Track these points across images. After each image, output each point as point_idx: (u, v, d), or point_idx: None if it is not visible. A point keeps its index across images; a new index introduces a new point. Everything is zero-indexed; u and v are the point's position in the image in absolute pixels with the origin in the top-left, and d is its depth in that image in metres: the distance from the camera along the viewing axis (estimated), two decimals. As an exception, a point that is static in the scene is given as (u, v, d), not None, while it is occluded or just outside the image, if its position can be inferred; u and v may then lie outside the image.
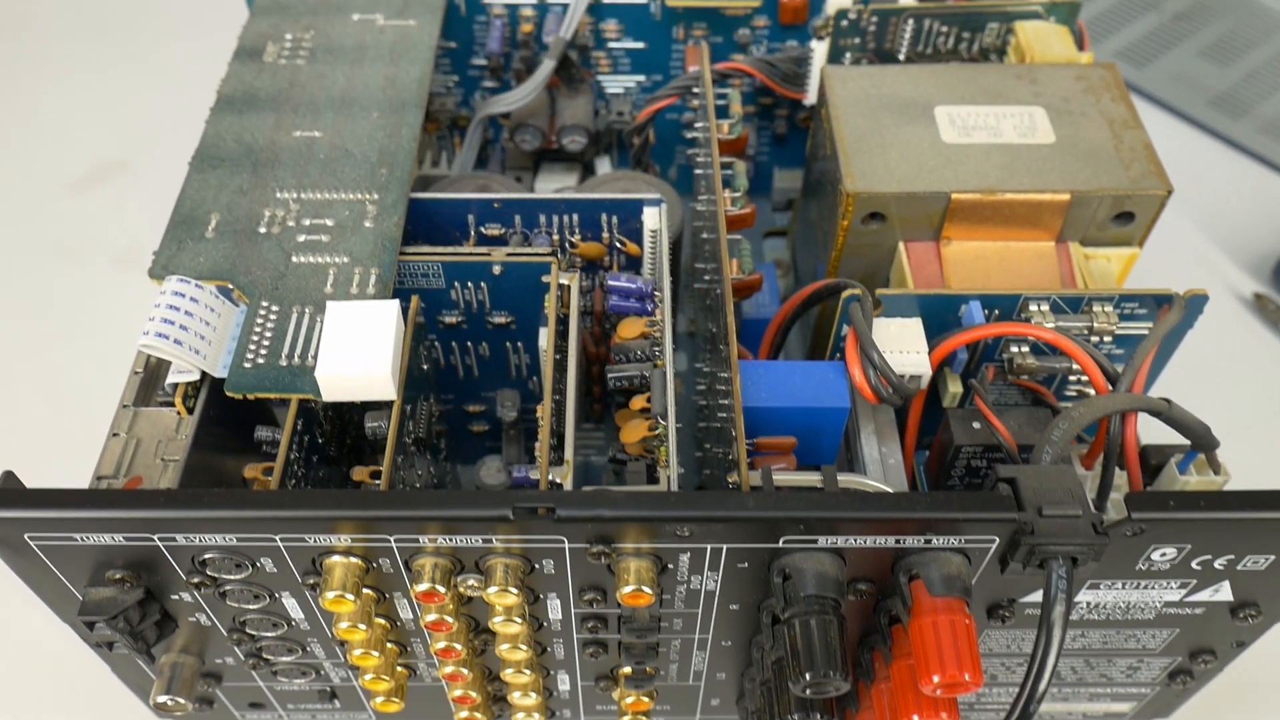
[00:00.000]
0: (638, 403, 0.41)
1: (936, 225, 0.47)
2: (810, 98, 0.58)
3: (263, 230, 0.43)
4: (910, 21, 0.55)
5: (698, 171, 0.53)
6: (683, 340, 0.62)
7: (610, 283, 0.44)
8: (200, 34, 0.78)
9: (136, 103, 0.81)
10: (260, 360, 0.39)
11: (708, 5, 0.55)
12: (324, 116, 0.48)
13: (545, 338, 0.43)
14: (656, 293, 0.44)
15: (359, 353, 0.38)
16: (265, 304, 0.41)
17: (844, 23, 0.54)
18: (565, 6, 0.57)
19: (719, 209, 0.47)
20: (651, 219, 0.46)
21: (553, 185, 0.62)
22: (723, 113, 0.54)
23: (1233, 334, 0.68)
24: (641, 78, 0.61)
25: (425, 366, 0.44)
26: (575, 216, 0.46)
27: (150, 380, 0.41)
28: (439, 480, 0.49)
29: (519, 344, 0.48)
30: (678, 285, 0.59)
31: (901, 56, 0.56)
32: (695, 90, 0.54)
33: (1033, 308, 0.42)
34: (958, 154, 0.47)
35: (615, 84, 0.61)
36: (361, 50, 0.51)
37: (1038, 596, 0.39)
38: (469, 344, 0.48)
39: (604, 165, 0.64)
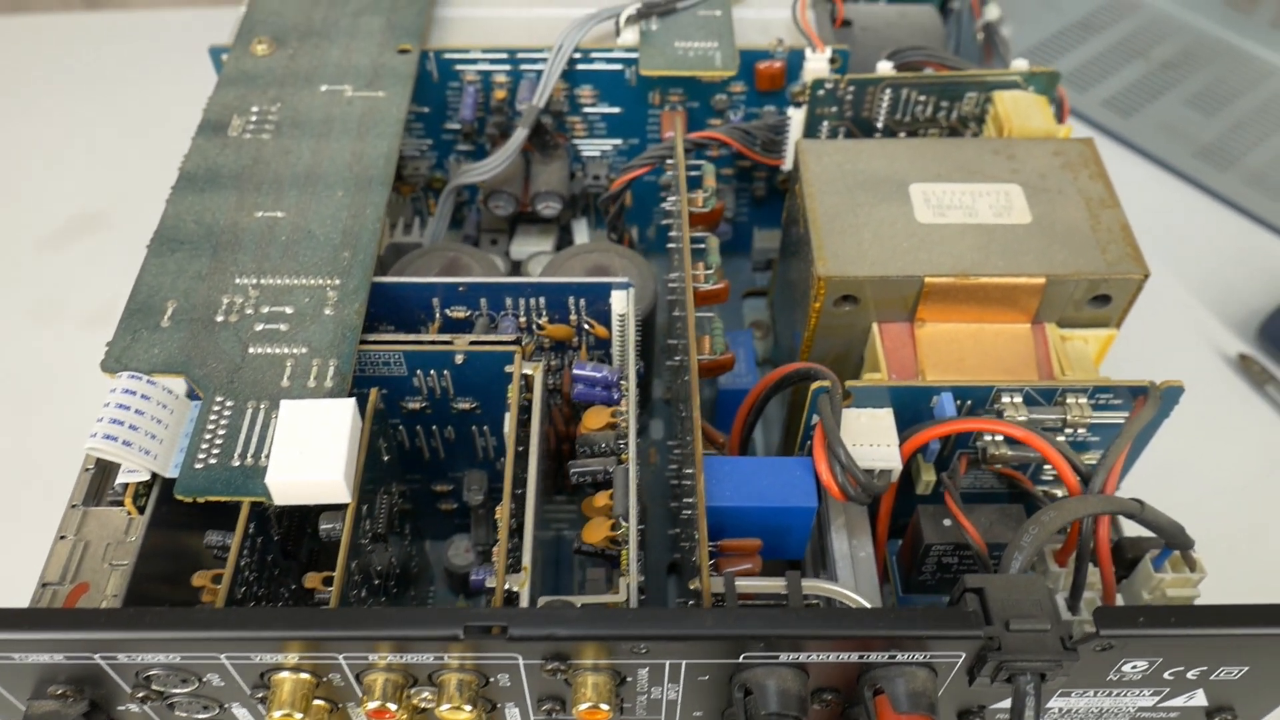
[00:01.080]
0: (601, 499, 0.40)
1: (911, 307, 0.46)
2: (788, 164, 0.57)
3: (220, 319, 0.42)
4: (888, 91, 0.54)
5: (670, 245, 0.52)
6: (659, 407, 0.61)
7: (576, 371, 0.43)
8: (175, 85, 0.77)
9: (110, 156, 0.81)
10: (212, 460, 0.38)
11: (681, 75, 0.55)
12: (287, 195, 0.47)
13: (509, 424, 0.42)
14: (623, 381, 0.43)
15: (312, 455, 0.37)
16: (220, 399, 0.40)
17: (821, 92, 0.54)
18: (539, 73, 0.56)
19: (688, 288, 0.46)
20: (619, 303, 0.45)
21: (528, 249, 0.61)
22: (696, 184, 0.53)
23: (1217, 395, 0.67)
24: (618, 141, 0.60)
25: (386, 457, 0.43)
26: (542, 299, 0.46)
27: (101, 476, 0.40)
28: (402, 566, 0.48)
29: (485, 427, 0.47)
30: (654, 352, 0.58)
31: (879, 125, 0.55)
32: (669, 161, 0.53)
33: (1006, 399, 0.42)
34: (932, 235, 0.46)
35: (591, 147, 0.61)
36: (328, 124, 0.50)
37: (1008, 703, 0.38)
38: (434, 427, 0.47)
39: (581, 228, 0.63)
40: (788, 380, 0.46)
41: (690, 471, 0.40)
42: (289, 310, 0.43)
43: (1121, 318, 0.47)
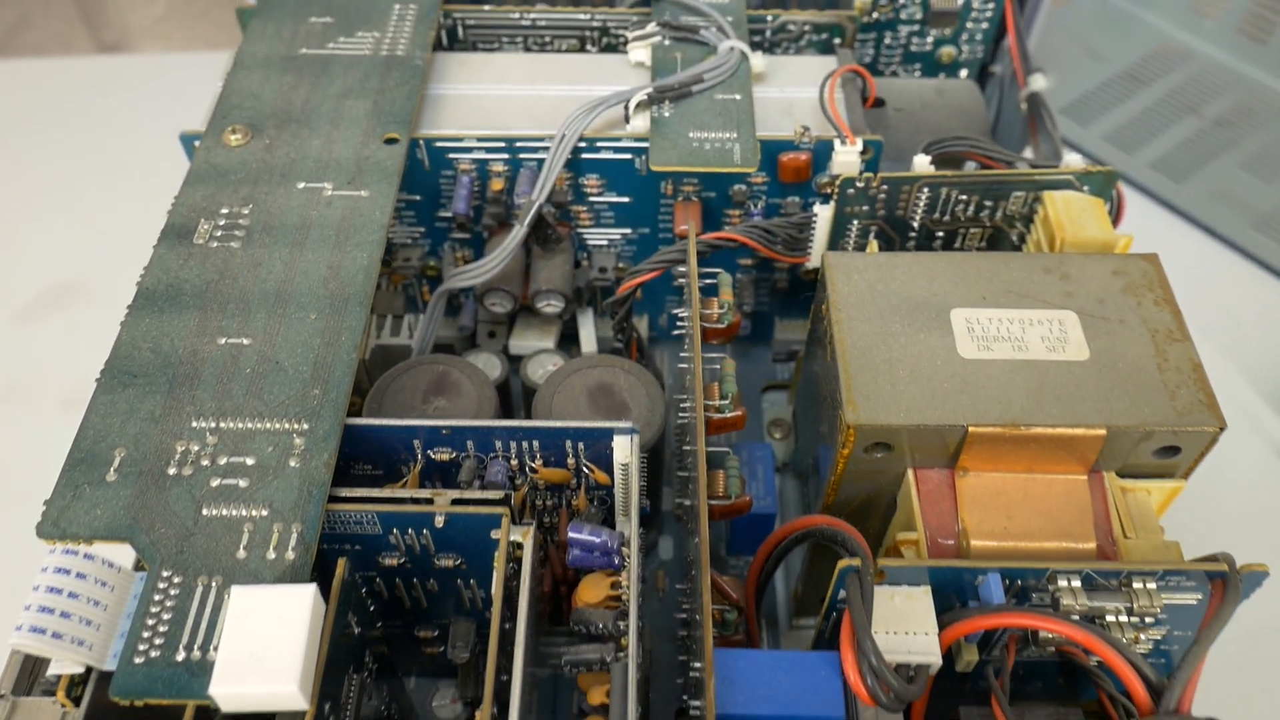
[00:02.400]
0: (596, 695, 0.35)
1: (952, 454, 0.41)
2: (813, 261, 0.52)
3: (173, 471, 0.38)
4: (925, 190, 0.48)
5: (681, 365, 0.47)
6: (668, 521, 0.56)
7: (572, 535, 0.38)
8: (158, 138, 0.72)
9: (89, 225, 0.76)
10: (154, 653, 0.33)
11: (695, 170, 0.50)
12: (255, 317, 0.42)
13: (496, 587, 0.37)
14: (624, 548, 0.38)
15: (264, 658, 0.32)
16: (167, 573, 0.35)
17: (851, 191, 0.48)
18: (540, 161, 0.51)
19: (699, 422, 0.41)
20: (622, 450, 0.40)
21: (529, 344, 0.57)
22: (711, 291, 0.48)
23: (1272, 489, 0.61)
24: (628, 230, 0.55)
25: (358, 629, 0.39)
26: (536, 442, 0.41)
27: (34, 660, 0.36)
28: (386, 710, 0.43)
29: (472, 580, 0.42)
30: (664, 460, 0.53)
31: (915, 224, 0.50)
32: (681, 269, 0.48)
33: (1062, 583, 0.36)
34: (977, 373, 0.41)
35: (598, 237, 0.56)
36: (304, 229, 0.45)
37: None
38: (415, 580, 0.42)
39: (586, 321, 0.58)
40: (810, 536, 0.41)
41: (699, 665, 0.35)
42: (250, 461, 0.38)
43: (1191, 469, 0.41)
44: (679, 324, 0.48)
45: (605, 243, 0.56)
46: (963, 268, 0.44)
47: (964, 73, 0.67)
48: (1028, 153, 0.63)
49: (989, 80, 0.67)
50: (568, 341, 0.60)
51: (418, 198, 0.54)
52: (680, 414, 0.47)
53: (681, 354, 0.46)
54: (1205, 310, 0.71)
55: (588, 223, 0.55)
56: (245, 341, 0.41)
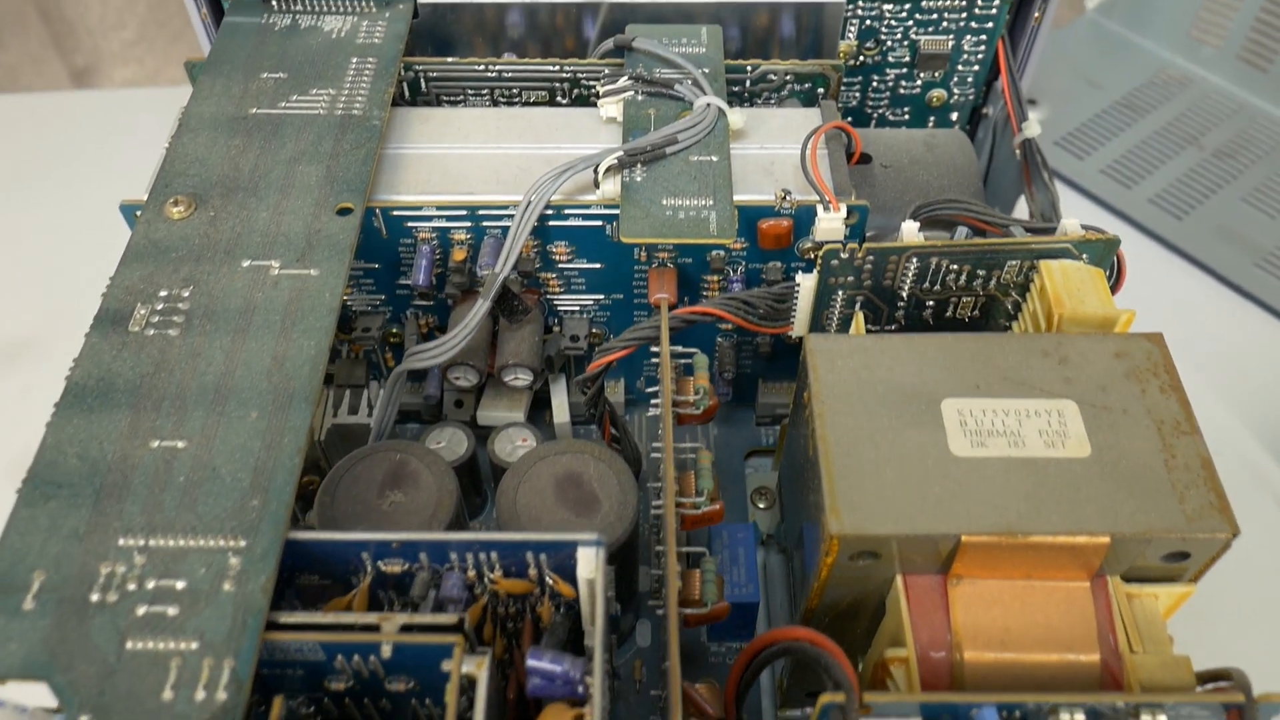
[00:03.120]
0: None
1: (944, 561, 0.38)
2: (797, 331, 0.49)
3: (95, 598, 0.34)
4: (914, 260, 0.45)
5: (654, 455, 0.44)
6: (645, 603, 0.53)
7: (531, 663, 0.35)
8: (120, 193, 0.69)
9: (41, 278, 0.72)
10: (66, 817, 0.30)
11: (668, 242, 0.46)
12: (191, 417, 0.39)
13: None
14: (588, 677, 0.35)
15: (185, 827, 0.29)
16: (85, 719, 0.32)
17: (835, 262, 0.45)
18: (505, 229, 0.48)
19: (668, 521, 0.38)
20: (587, 565, 0.37)
21: (497, 414, 0.54)
22: (688, 370, 0.45)
23: (1276, 542, 0.59)
24: (600, 296, 0.52)
25: (300, 764, 0.36)
26: (494, 554, 0.38)
27: (-61, 816, 0.33)
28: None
29: (427, 700, 0.39)
30: (638, 552, 0.50)
31: (904, 293, 0.47)
32: (654, 350, 0.45)
33: (1064, 716, 0.33)
34: (971, 474, 0.38)
35: (569, 303, 0.53)
36: (248, 314, 0.42)
37: None
38: (366, 700, 0.39)
39: (558, 389, 0.55)
40: (791, 652, 0.38)
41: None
42: (180, 585, 0.35)
43: (1201, 573, 0.38)
44: (653, 403, 0.45)
45: (577, 309, 0.53)
46: (954, 351, 0.41)
47: (954, 115, 0.64)
48: (1022, 203, 0.60)
49: (981, 122, 0.64)
50: (541, 405, 0.57)
51: (376, 265, 0.51)
52: (655, 505, 0.44)
53: (654, 445, 0.43)
54: (1208, 356, 0.68)
55: (558, 289, 0.52)
56: (180, 445, 0.38)
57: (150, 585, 0.35)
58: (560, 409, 0.54)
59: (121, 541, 0.36)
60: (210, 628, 0.34)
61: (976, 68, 0.60)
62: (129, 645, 0.34)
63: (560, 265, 0.50)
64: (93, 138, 0.82)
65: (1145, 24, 0.89)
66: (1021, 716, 0.34)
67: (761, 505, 0.56)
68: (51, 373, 0.66)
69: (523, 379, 0.51)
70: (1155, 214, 0.75)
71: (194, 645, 0.34)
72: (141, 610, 0.34)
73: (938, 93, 0.62)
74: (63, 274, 0.72)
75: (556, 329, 0.53)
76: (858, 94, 0.62)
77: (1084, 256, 0.46)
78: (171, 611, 0.34)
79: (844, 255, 0.45)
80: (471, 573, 0.38)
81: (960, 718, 0.34)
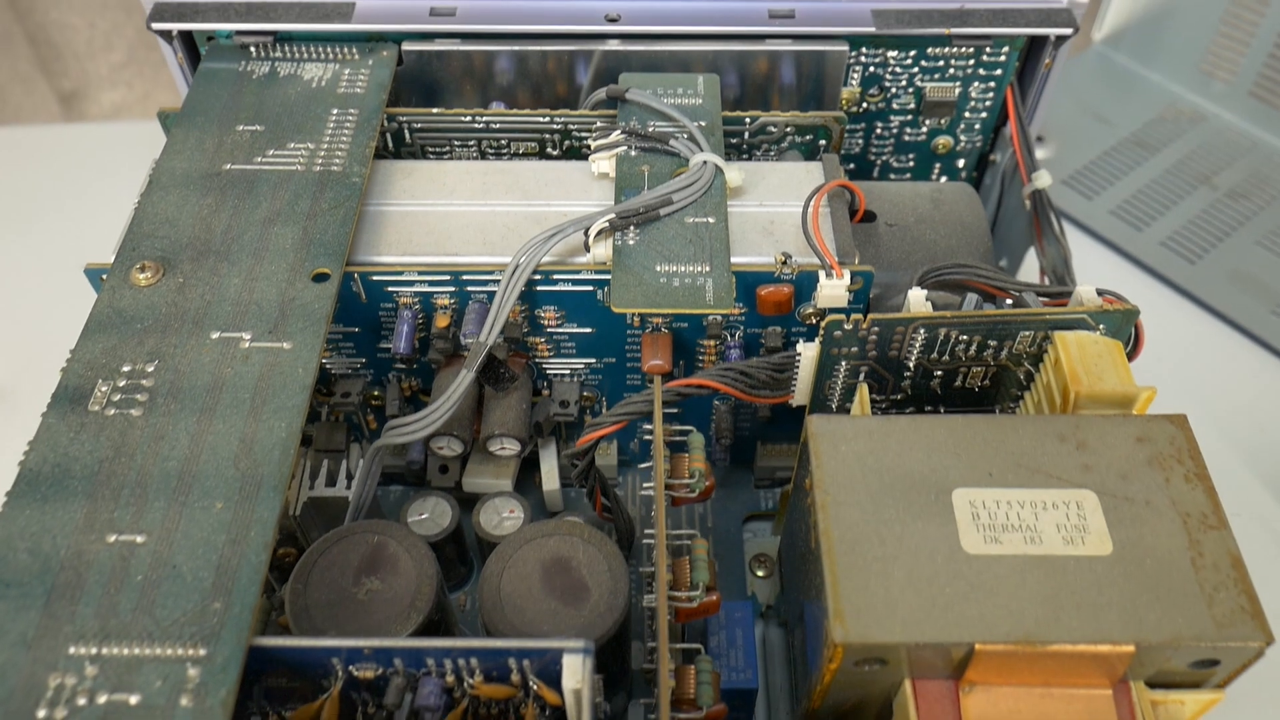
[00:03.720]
0: None
1: (957, 667, 0.35)
2: (798, 400, 0.47)
3: (42, 715, 0.32)
4: (922, 331, 0.43)
5: (646, 541, 0.41)
6: (638, 682, 0.50)
7: (511, 785, 0.32)
8: (100, 231, 0.67)
9: (18, 321, 0.70)
10: None
11: (661, 312, 0.44)
12: (152, 508, 0.37)
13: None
14: (573, 801, 0.32)
15: None
16: None
17: (838, 333, 0.43)
18: (491, 294, 0.46)
19: (661, 616, 0.36)
20: (572, 673, 0.34)
21: (483, 481, 0.51)
22: (680, 448, 0.43)
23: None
24: (591, 360, 0.50)
25: None
26: (474, 660, 0.35)
27: None
28: None
29: (403, 811, 0.36)
30: (629, 630, 0.47)
31: (911, 364, 0.45)
32: (647, 427, 0.42)
33: None
34: (984, 574, 0.35)
35: (559, 367, 0.50)
36: (216, 392, 0.40)
37: None
38: (337, 811, 0.36)
39: (548, 455, 0.52)
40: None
41: None
42: (134, 700, 0.32)
43: (1230, 680, 0.36)
44: (645, 485, 0.43)
45: (567, 373, 0.50)
46: (965, 435, 0.39)
47: (960, 162, 0.61)
48: (1031, 255, 0.58)
49: (988, 169, 0.62)
50: (530, 467, 0.54)
51: (355, 329, 0.48)
52: (648, 589, 0.42)
53: (646, 532, 0.41)
54: (1222, 406, 0.66)
55: (546, 353, 0.49)
56: (139, 539, 0.36)
57: (102, 700, 0.32)
58: (550, 476, 0.52)
59: (72, 650, 0.33)
60: (165, 749, 0.32)
61: (984, 114, 0.58)
62: (77, 770, 0.31)
63: (549, 330, 0.48)
64: (79, 176, 0.80)
65: (1154, 57, 0.86)
66: None
67: (760, 574, 0.53)
68: (20, 422, 0.62)
69: (509, 449, 0.48)
70: (1167, 258, 0.73)
71: (147, 770, 0.31)
72: (91, 729, 0.32)
73: (944, 140, 0.60)
74: (35, 320, 0.69)
75: (546, 393, 0.51)
76: (860, 140, 0.60)
77: (1100, 327, 0.43)
78: (124, 731, 0.32)
79: (848, 327, 0.43)
80: (450, 677, 0.36)
81: None
